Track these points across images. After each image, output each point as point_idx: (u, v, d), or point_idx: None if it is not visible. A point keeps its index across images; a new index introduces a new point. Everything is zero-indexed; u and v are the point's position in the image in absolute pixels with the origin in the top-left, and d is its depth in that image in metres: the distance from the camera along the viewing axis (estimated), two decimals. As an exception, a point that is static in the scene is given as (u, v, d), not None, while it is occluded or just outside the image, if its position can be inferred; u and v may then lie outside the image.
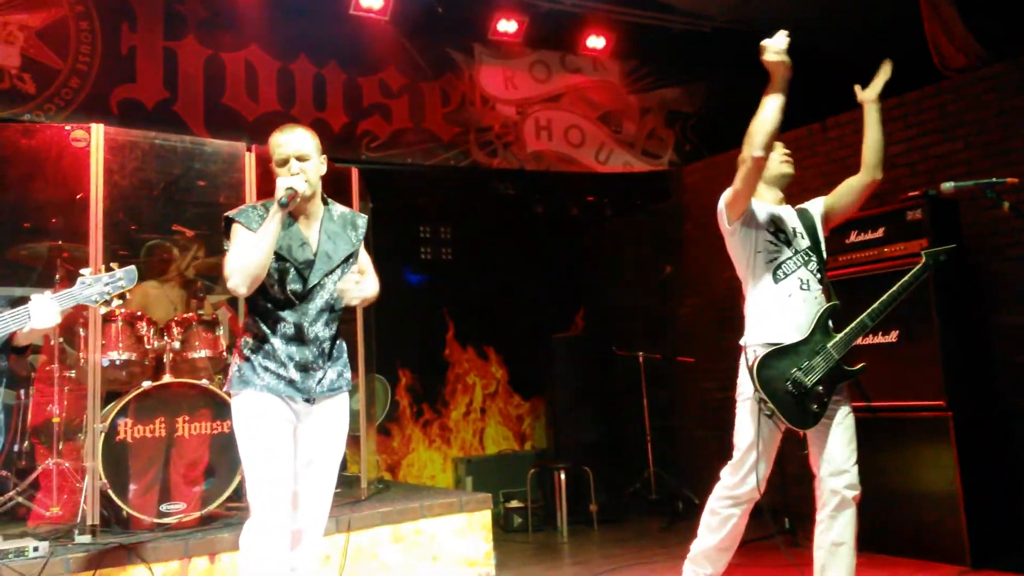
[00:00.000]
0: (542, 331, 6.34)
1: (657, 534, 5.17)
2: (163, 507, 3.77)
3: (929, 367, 4.11)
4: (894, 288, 3.06)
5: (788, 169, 3.15)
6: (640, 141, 6.42)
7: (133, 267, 2.76)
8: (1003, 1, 4.81)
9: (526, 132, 6.06)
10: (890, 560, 4.09)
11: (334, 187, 4.99)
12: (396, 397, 6.31)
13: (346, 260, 2.73)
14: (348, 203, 4.77)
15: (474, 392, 6.72)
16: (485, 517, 4.22)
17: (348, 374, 2.79)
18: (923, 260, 3.11)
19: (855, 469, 2.92)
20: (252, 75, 5.25)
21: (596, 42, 6.16)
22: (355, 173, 4.87)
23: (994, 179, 2.99)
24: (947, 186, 3.02)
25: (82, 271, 2.72)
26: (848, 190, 3.15)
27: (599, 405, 5.98)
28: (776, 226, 3.06)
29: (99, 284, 2.68)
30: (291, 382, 2.61)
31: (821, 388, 2.92)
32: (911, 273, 3.08)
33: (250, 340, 2.66)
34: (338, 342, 2.77)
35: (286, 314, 2.63)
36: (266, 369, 2.60)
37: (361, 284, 2.65)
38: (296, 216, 2.69)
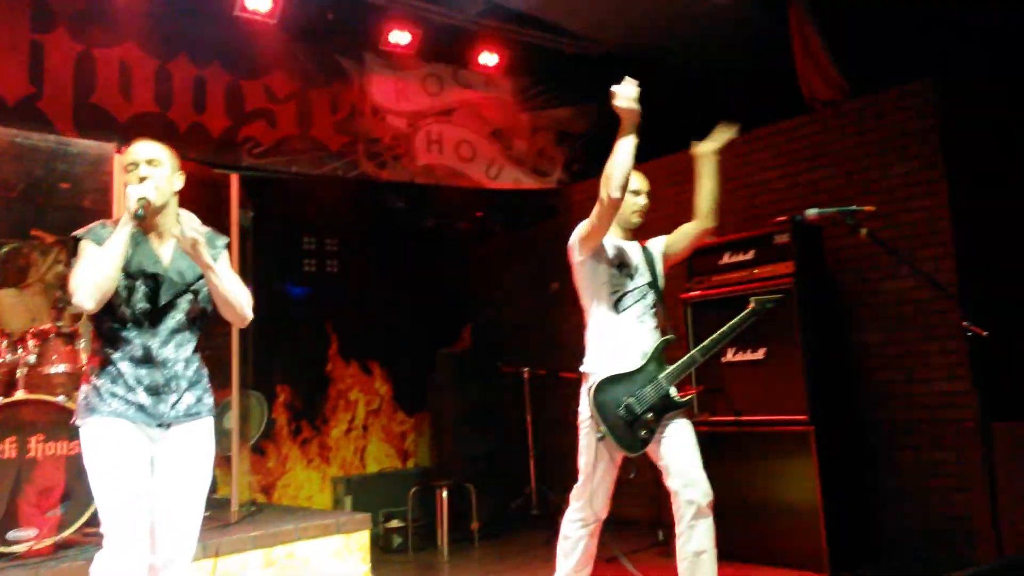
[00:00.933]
0: (429, 346, 6.27)
1: (538, 549, 5.18)
2: (11, 535, 3.47)
3: (793, 383, 4.31)
4: (724, 328, 3.21)
5: (636, 220, 3.28)
6: (530, 159, 6.49)
7: None
8: (867, 39, 5.15)
9: (417, 145, 6.01)
10: (754, 568, 4.25)
11: (212, 194, 4.80)
12: (273, 414, 6.06)
13: (200, 279, 2.60)
14: (226, 211, 4.62)
15: (356, 408, 6.56)
16: (363, 538, 4.13)
17: (209, 399, 2.66)
18: (752, 306, 3.24)
19: (703, 476, 3.04)
20: (126, 74, 4.96)
21: (489, 58, 6.18)
22: (235, 180, 4.68)
23: (854, 207, 3.16)
24: (811, 212, 3.19)
25: None
26: (683, 235, 3.30)
27: (484, 421, 5.96)
28: (621, 260, 3.19)
29: None
30: (141, 407, 2.47)
31: (650, 416, 3.05)
32: (740, 316, 3.23)
33: (96, 365, 2.50)
34: (195, 365, 2.63)
35: (134, 335, 2.49)
36: (113, 394, 2.45)
37: (199, 233, 2.45)
38: (147, 232, 2.56)
